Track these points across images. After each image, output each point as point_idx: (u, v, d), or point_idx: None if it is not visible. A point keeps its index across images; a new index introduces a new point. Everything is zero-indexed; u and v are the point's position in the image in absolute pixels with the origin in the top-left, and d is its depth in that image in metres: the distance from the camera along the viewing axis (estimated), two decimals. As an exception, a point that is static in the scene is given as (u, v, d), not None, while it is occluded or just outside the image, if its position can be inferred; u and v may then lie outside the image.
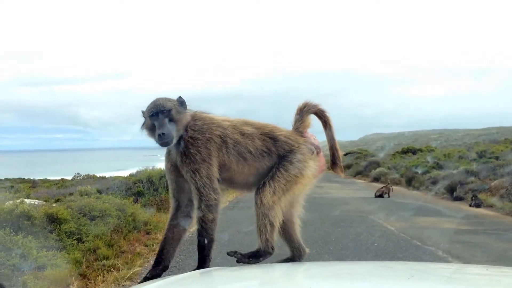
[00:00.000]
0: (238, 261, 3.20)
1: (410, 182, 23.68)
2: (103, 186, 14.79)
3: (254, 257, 3.19)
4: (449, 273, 1.79)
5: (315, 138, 3.55)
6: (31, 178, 32.96)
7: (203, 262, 3.16)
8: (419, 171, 24.76)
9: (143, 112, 3.37)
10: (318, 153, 3.47)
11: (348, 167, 41.24)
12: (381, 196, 18.27)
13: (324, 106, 3.54)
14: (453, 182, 18.00)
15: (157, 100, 3.30)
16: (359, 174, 35.31)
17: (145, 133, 3.38)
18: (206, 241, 3.15)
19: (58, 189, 18.43)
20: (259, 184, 3.27)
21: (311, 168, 3.37)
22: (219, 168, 3.24)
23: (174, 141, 3.20)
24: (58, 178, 29.68)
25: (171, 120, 3.21)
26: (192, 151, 3.16)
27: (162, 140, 3.15)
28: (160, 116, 3.19)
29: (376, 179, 28.31)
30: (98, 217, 8.18)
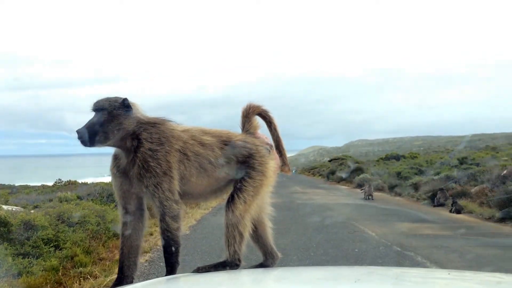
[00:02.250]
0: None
1: (393, 188, 23.92)
2: (84, 192, 14.60)
3: (220, 269, 3.11)
4: (408, 276, 1.82)
5: (266, 137, 3.56)
6: (11, 184, 32.40)
7: (172, 268, 3.09)
8: (402, 177, 25.01)
9: None
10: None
11: (332, 173, 41.56)
12: (370, 196, 20.19)
13: (266, 106, 3.55)
14: (434, 188, 18.23)
15: (101, 98, 3.21)
16: (343, 180, 35.55)
17: None
18: (173, 249, 3.10)
19: (38, 195, 18.13)
20: (228, 197, 3.23)
21: (272, 168, 3.37)
22: (179, 181, 3.16)
23: (100, 143, 3.10)
24: (39, 184, 29.25)
25: (101, 121, 3.10)
26: (152, 164, 3.05)
27: (80, 139, 3.07)
28: (94, 114, 3.13)
29: (360, 185, 28.51)
30: (77, 223, 8.07)
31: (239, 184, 3.23)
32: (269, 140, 3.55)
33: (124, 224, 3.22)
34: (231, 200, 3.18)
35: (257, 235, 3.43)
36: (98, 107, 3.12)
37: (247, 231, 3.19)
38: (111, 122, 3.10)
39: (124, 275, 3.20)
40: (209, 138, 3.30)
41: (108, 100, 3.17)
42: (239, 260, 3.15)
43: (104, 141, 3.08)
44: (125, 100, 3.18)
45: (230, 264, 3.11)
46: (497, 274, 2.23)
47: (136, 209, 3.24)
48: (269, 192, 3.44)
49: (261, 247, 3.48)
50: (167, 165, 3.07)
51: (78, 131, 3.03)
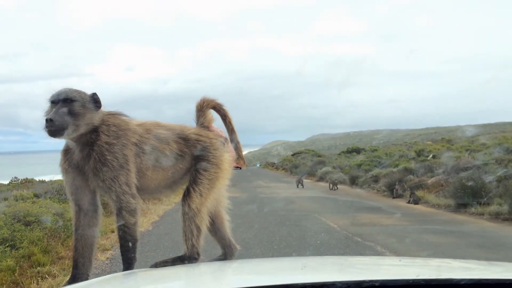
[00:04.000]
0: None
1: (353, 180, 24.46)
2: (41, 190, 14.14)
3: (178, 263, 3.12)
4: (359, 263, 1.89)
5: (221, 130, 3.58)
6: (-37, 183, 30.95)
7: (129, 264, 3.06)
8: (363, 169, 25.62)
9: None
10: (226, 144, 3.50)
11: (295, 167, 42.08)
12: (335, 186, 22.27)
13: (221, 100, 3.58)
14: (393, 180, 18.81)
15: (65, 88, 3.09)
16: (306, 174, 36.04)
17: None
18: (130, 244, 3.07)
19: (-8, 194, 17.40)
20: (184, 191, 3.23)
21: (227, 161, 3.38)
22: (136, 175, 3.12)
23: (67, 136, 2.98)
24: (-6, 182, 28.07)
25: (73, 112, 2.98)
26: (109, 157, 3.00)
27: (49, 127, 2.90)
28: (59, 104, 2.98)
29: (322, 178, 29.00)
30: (34, 222, 7.81)
31: (194, 177, 3.22)
32: (224, 133, 3.56)
33: (77, 221, 3.15)
34: (186, 194, 3.18)
35: (215, 229, 3.44)
36: (68, 98, 3.00)
37: (204, 224, 3.19)
38: (83, 115, 3.01)
39: (79, 272, 3.13)
40: (164, 132, 3.27)
41: (78, 92, 3.08)
42: (198, 254, 3.15)
43: (72, 134, 2.97)
44: (94, 94, 3.11)
45: (188, 258, 3.10)
46: (448, 260, 2.34)
47: (89, 205, 3.17)
48: (225, 185, 3.44)
49: (219, 240, 3.49)
50: (124, 158, 3.03)
51: (49, 119, 2.87)
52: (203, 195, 3.17)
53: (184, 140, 3.29)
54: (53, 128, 2.90)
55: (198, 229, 3.14)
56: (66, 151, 3.15)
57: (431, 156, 25.68)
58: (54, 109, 2.95)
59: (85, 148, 3.04)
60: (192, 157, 3.29)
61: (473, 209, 12.77)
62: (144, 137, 3.16)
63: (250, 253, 7.73)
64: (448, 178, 16.49)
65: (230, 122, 3.58)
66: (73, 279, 3.11)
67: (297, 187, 24.05)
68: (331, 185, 22.63)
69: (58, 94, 3.02)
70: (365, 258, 2.51)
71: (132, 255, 3.08)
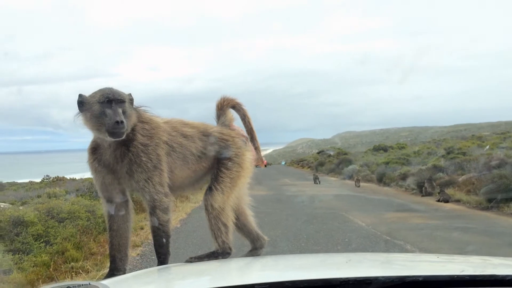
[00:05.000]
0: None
1: (381, 178, 24.13)
2: (72, 188, 14.51)
3: (211, 258, 3.16)
4: (398, 260, 1.87)
5: (241, 129, 3.59)
6: (-2, 181, 32.00)
7: (164, 259, 3.11)
8: (390, 167, 25.26)
9: (82, 96, 3.06)
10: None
11: (321, 164, 41.80)
12: (358, 182, 23.07)
13: (240, 100, 3.59)
14: (422, 178, 18.46)
15: (112, 88, 3.06)
16: (331, 171, 35.78)
17: (81, 121, 3.07)
18: (164, 240, 3.11)
19: (26, 191, 17.95)
20: (206, 189, 3.25)
21: (249, 159, 3.40)
22: (168, 173, 3.14)
23: (124, 136, 2.96)
24: (27, 180, 28.94)
25: (125, 113, 2.98)
26: (144, 159, 3.02)
27: (119, 129, 2.88)
28: (114, 105, 2.96)
29: (349, 177, 28.71)
30: (66, 219, 8.02)
31: (216, 175, 3.25)
32: (243, 131, 3.58)
33: (111, 218, 3.21)
34: (209, 192, 3.20)
35: (241, 225, 3.47)
36: (119, 98, 3.00)
37: (230, 220, 3.23)
38: (131, 116, 3.04)
39: (117, 268, 3.20)
40: (189, 130, 3.31)
41: (122, 92, 3.08)
42: (230, 249, 3.19)
43: (125, 135, 2.98)
44: (130, 95, 3.14)
45: (221, 254, 3.14)
46: (486, 257, 2.28)
47: (121, 201, 3.22)
48: (246, 183, 3.47)
49: (247, 236, 3.52)
50: (157, 159, 3.06)
51: (121, 121, 2.87)
52: (225, 194, 3.20)
53: (208, 138, 3.33)
54: (123, 130, 2.91)
55: (225, 226, 3.18)
56: (94, 149, 3.15)
57: (487, 148, 25.06)
58: (111, 110, 2.93)
59: (119, 147, 3.05)
60: (215, 155, 3.32)
61: (505, 208, 12.43)
62: (172, 135, 3.20)
63: (277, 251, 7.72)
64: (479, 175, 16.07)
65: (249, 122, 3.60)
66: (112, 274, 3.16)
67: (315, 183, 25.43)
68: (356, 182, 23.18)
69: (111, 93, 2.99)
70: (402, 254, 2.48)
71: (166, 250, 3.13)
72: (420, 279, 1.38)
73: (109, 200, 3.20)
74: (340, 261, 1.93)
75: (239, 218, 3.45)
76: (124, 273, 3.19)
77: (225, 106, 3.55)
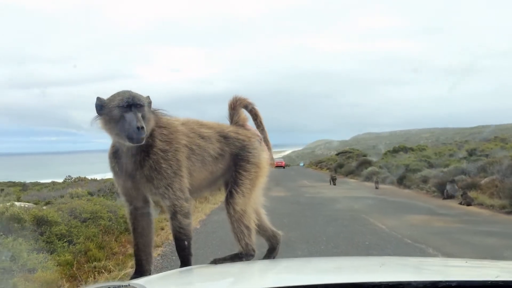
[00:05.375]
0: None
1: (401, 180, 23.84)
2: (94, 188, 14.72)
3: (235, 260, 3.17)
4: (427, 264, 1.84)
5: (255, 129, 3.58)
6: (22, 181, 32.70)
7: (186, 260, 3.13)
8: (411, 169, 24.91)
9: (101, 99, 3.00)
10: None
11: (340, 166, 41.52)
12: (377, 184, 23.18)
13: (252, 100, 3.59)
14: (443, 180, 18.16)
15: (131, 92, 3.00)
16: (351, 173, 35.51)
17: (100, 125, 3.04)
18: (186, 243, 3.12)
19: (49, 192, 18.30)
20: (226, 193, 3.25)
21: (265, 159, 3.40)
22: (188, 178, 3.14)
23: (144, 141, 2.92)
24: (49, 181, 29.51)
25: (144, 117, 2.94)
26: (164, 165, 2.98)
27: (139, 135, 2.84)
28: (133, 109, 2.90)
29: (368, 178, 28.45)
30: (89, 219, 8.14)
31: (235, 178, 3.24)
32: (257, 131, 3.58)
33: (134, 220, 3.23)
34: (229, 196, 3.20)
35: (256, 225, 3.44)
36: (139, 102, 2.95)
37: (252, 222, 3.24)
38: (149, 120, 3.01)
39: (143, 269, 3.24)
40: (206, 131, 3.29)
41: (141, 96, 3.03)
42: (253, 250, 3.21)
43: (144, 140, 2.93)
44: (148, 98, 3.09)
45: (245, 256, 3.16)
46: None
47: (143, 204, 3.24)
48: (264, 183, 3.47)
49: (263, 234, 3.53)
50: (177, 164, 3.04)
51: (142, 127, 2.84)
52: (246, 196, 3.20)
53: (224, 138, 3.31)
54: (143, 136, 2.87)
55: (248, 228, 3.19)
56: (115, 154, 3.13)
57: None
58: (131, 115, 2.89)
59: (138, 153, 3.02)
60: (231, 155, 3.31)
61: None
62: (191, 137, 3.18)
63: (296, 253, 7.69)
64: (503, 178, 15.73)
65: (261, 122, 3.60)
66: (139, 275, 3.18)
67: (330, 184, 26.19)
68: (375, 184, 23.37)
69: (131, 97, 2.94)
70: (432, 259, 2.44)
71: (188, 252, 3.14)
72: (454, 284, 1.35)
73: (131, 203, 3.22)
74: (370, 264, 1.91)
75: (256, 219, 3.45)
76: (150, 273, 3.23)
77: (237, 105, 3.55)
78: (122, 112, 2.91)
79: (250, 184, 3.24)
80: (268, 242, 3.56)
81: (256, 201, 3.37)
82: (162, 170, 2.99)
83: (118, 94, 3.00)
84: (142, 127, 2.83)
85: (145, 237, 3.26)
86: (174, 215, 3.08)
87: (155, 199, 3.33)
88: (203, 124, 3.35)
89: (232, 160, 3.30)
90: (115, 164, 3.13)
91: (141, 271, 3.23)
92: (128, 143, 2.93)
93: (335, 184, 25.95)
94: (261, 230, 3.51)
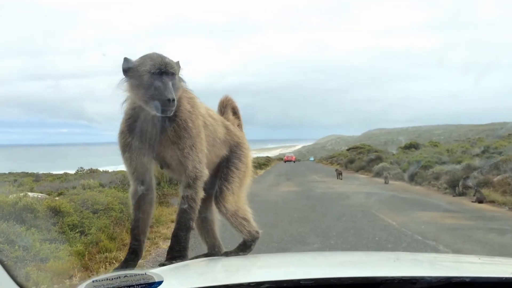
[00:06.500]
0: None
1: (412, 177, 23.67)
2: (106, 180, 14.85)
3: (244, 249, 3.15)
4: (439, 260, 1.83)
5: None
6: (35, 172, 33.12)
7: (184, 245, 2.90)
8: (422, 166, 24.72)
9: (129, 61, 2.79)
10: None
11: (351, 162, 41.33)
12: (386, 179, 23.27)
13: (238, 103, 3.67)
14: (455, 177, 17.98)
15: (163, 57, 2.78)
16: (361, 169, 35.34)
17: (124, 88, 2.84)
18: (191, 223, 2.93)
19: (61, 183, 18.51)
20: (215, 189, 3.19)
21: (251, 159, 3.46)
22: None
23: (172, 113, 2.75)
24: (62, 172, 29.84)
25: (175, 87, 2.75)
26: (190, 124, 2.84)
27: (170, 107, 2.66)
28: (164, 78, 2.70)
29: (379, 174, 28.30)
30: (100, 210, 8.23)
31: (226, 175, 3.22)
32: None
33: (140, 197, 2.99)
34: (219, 193, 3.15)
35: (203, 228, 3.45)
36: (172, 71, 2.76)
37: (248, 212, 3.25)
38: (179, 89, 2.83)
39: (140, 249, 3.04)
40: (214, 114, 3.30)
41: (173, 62, 2.83)
42: (257, 232, 3.22)
43: (173, 112, 2.76)
44: (178, 63, 2.89)
45: (252, 241, 3.18)
46: None
47: (149, 181, 3.04)
48: (249, 183, 3.48)
49: (207, 240, 3.47)
50: (199, 127, 2.94)
51: (173, 99, 2.65)
52: (235, 193, 3.20)
53: (226, 128, 3.32)
54: (173, 108, 2.70)
55: (245, 219, 3.19)
56: (131, 127, 2.89)
57: None
58: (162, 83, 2.69)
59: (164, 118, 2.82)
60: (228, 148, 3.31)
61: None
62: (203, 112, 3.12)
63: (307, 247, 7.71)
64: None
65: (241, 126, 3.65)
66: (134, 253, 2.99)
67: (337, 178, 26.82)
68: (385, 180, 23.44)
69: (164, 64, 2.74)
70: (445, 255, 2.43)
71: (186, 236, 2.91)
72: (467, 280, 1.35)
73: (140, 179, 2.98)
74: (384, 259, 1.90)
75: (204, 222, 3.37)
76: (139, 258, 3.04)
77: (228, 105, 3.60)
78: (153, 79, 2.71)
79: (239, 183, 3.25)
80: (208, 249, 3.43)
81: (243, 199, 3.31)
82: (188, 129, 2.84)
83: (149, 58, 2.78)
84: (174, 100, 2.65)
85: (147, 217, 3.07)
86: (193, 182, 2.89)
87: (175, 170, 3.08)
88: (209, 108, 3.32)
89: (226, 155, 3.30)
90: (131, 138, 2.87)
91: (137, 251, 2.99)
92: (153, 113, 2.74)
93: (341, 179, 26.51)
94: (208, 236, 3.43)
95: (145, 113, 2.83)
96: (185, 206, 2.90)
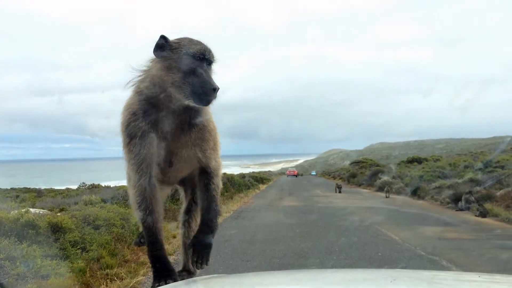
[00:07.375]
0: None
1: (415, 191, 23.59)
2: (108, 195, 14.83)
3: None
4: (439, 279, 1.82)
5: None
6: (37, 187, 33.11)
7: (212, 234, 2.74)
8: (425, 180, 24.66)
9: (166, 38, 2.51)
10: None
11: (353, 176, 41.24)
12: (387, 193, 23.82)
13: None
14: (458, 191, 17.92)
15: (204, 44, 2.56)
16: (363, 183, 35.25)
17: (154, 67, 2.52)
18: (218, 208, 2.80)
19: (63, 198, 18.47)
20: (189, 204, 3.08)
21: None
22: None
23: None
24: (63, 187, 29.82)
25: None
26: (211, 125, 2.76)
27: (212, 98, 2.44)
28: (206, 65, 2.49)
29: (381, 188, 28.21)
30: (102, 226, 8.21)
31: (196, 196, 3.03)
32: None
33: (151, 191, 2.62)
34: (193, 209, 3.07)
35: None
36: (213, 60, 2.56)
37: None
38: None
39: (169, 268, 2.68)
40: None
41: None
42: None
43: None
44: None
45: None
46: None
47: (158, 177, 2.73)
48: None
49: (186, 254, 3.15)
50: (216, 128, 2.82)
51: (218, 88, 2.43)
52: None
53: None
54: (214, 99, 2.47)
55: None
56: (147, 112, 2.54)
57: None
58: (206, 72, 2.47)
59: (188, 111, 2.59)
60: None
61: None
62: None
63: (309, 263, 7.67)
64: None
65: None
66: (166, 268, 2.66)
67: (336, 192, 27.70)
68: (386, 193, 23.97)
69: (209, 52, 2.53)
70: (445, 273, 2.41)
71: (216, 224, 2.77)
72: None
73: (149, 174, 2.60)
74: (381, 277, 1.90)
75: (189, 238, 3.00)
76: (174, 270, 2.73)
77: None
78: (195, 64, 2.46)
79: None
80: (185, 263, 3.16)
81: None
82: (212, 131, 2.70)
83: (190, 41, 2.53)
84: (217, 90, 2.43)
85: (161, 219, 2.72)
86: (216, 175, 2.80)
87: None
88: None
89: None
90: (145, 123, 2.51)
91: (168, 270, 2.64)
92: (188, 101, 2.45)
93: (340, 192, 27.39)
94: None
95: (168, 100, 2.52)
96: (210, 195, 2.75)
